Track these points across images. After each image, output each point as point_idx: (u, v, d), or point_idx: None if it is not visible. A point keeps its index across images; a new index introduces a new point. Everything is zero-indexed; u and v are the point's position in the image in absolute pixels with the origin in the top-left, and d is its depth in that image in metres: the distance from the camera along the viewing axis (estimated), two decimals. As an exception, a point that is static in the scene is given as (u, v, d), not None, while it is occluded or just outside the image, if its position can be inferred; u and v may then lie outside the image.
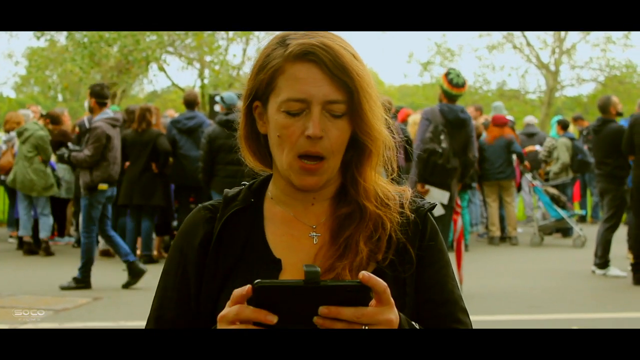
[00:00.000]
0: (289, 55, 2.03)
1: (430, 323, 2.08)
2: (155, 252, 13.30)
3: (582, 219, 18.41)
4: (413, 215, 2.16)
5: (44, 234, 13.75)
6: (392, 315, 1.77)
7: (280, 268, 2.09)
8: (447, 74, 10.16)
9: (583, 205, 19.34)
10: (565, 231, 16.86)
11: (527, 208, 16.68)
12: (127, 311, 9.44)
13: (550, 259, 14.32)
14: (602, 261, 12.18)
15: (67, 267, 12.65)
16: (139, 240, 13.08)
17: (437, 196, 9.74)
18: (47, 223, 13.80)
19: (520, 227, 18.47)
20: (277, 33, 2.13)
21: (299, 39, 2.05)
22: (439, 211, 9.83)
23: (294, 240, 2.13)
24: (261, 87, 2.09)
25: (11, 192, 15.44)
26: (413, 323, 1.95)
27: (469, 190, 15.33)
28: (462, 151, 10.09)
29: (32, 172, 13.42)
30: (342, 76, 2.01)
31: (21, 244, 14.23)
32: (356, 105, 2.03)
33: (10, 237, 15.86)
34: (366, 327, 1.75)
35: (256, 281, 1.72)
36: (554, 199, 15.53)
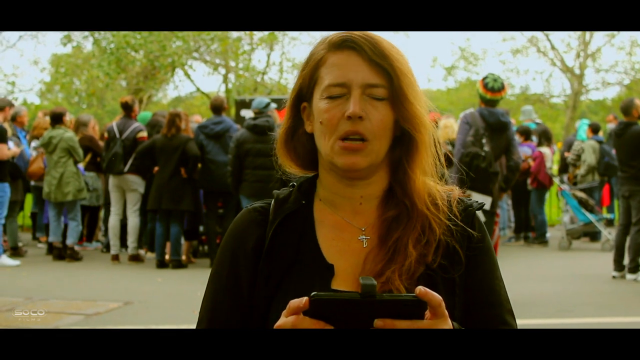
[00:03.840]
0: (329, 45, 2.11)
1: (477, 325, 2.09)
2: (184, 257, 13.34)
3: (609, 223, 18.30)
4: (461, 215, 2.17)
5: (70, 240, 13.80)
6: (446, 328, 1.79)
7: (333, 274, 2.10)
8: (483, 78, 10.05)
9: (611, 209, 19.22)
10: (594, 235, 16.77)
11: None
12: (158, 315, 9.47)
13: (578, 263, 14.27)
14: (634, 265, 12.08)
15: (96, 271, 12.76)
16: (168, 245, 13.13)
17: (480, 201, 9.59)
18: (75, 229, 13.85)
19: (549, 231, 18.43)
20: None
21: (339, 32, 2.12)
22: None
23: (345, 244, 2.14)
24: (305, 83, 2.15)
25: (41, 197, 15.52)
26: None
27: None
28: (503, 155, 9.97)
29: (67, 176, 13.48)
30: (381, 62, 2.05)
31: (50, 249, 14.30)
32: (397, 90, 2.06)
33: (40, 242, 15.95)
34: None
35: (313, 293, 1.74)
36: (582, 203, 15.46)
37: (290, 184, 2.28)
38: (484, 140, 9.72)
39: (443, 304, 1.77)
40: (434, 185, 2.21)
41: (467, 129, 9.84)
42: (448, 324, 1.79)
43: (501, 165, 10.04)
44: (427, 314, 1.77)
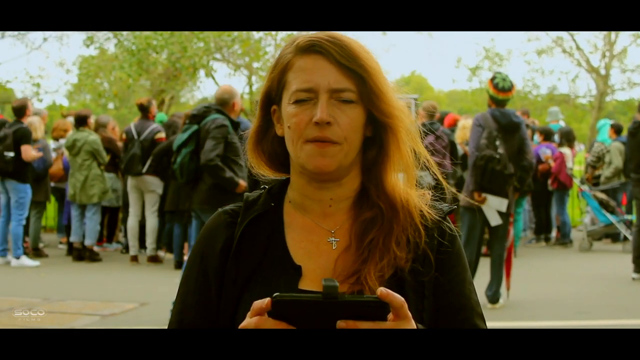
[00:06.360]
0: (297, 50, 2.09)
1: (446, 328, 2.09)
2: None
3: (631, 224, 18.14)
4: (432, 219, 2.17)
5: (89, 241, 13.88)
6: (409, 329, 1.78)
7: (300, 275, 2.10)
8: (492, 79, 9.94)
9: (629, 210, 19.06)
10: (615, 236, 16.65)
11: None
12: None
13: (598, 264, 14.17)
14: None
15: (115, 272, 12.82)
16: (186, 246, 13.16)
17: (495, 204, 9.62)
18: (93, 230, 13.92)
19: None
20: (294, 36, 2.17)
21: (307, 35, 2.10)
22: (496, 221, 9.71)
23: (313, 246, 2.14)
24: (274, 86, 2.14)
25: (61, 198, 15.62)
26: None
27: (526, 196, 15.27)
28: (516, 156, 9.87)
29: (92, 179, 13.58)
30: (350, 64, 2.04)
31: (71, 250, 14.38)
32: (370, 87, 2.05)
33: (60, 243, 16.05)
34: None
35: (275, 294, 1.74)
36: (603, 204, 15.34)
37: (262, 186, 2.29)
38: (497, 142, 9.65)
39: (405, 305, 1.76)
40: (405, 188, 2.20)
41: (479, 131, 9.75)
42: (411, 325, 1.79)
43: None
44: (391, 315, 1.76)
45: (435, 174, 2.23)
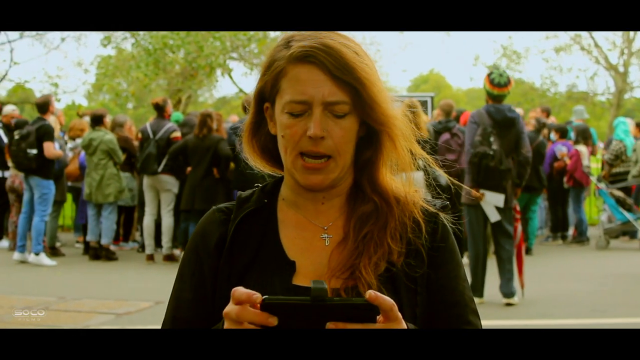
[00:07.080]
0: (291, 58, 2.05)
1: (440, 324, 2.09)
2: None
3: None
4: (425, 214, 2.17)
5: (105, 240, 13.92)
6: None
7: (294, 270, 2.10)
8: (489, 74, 9.94)
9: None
10: (632, 234, 16.55)
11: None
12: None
13: (614, 262, 14.10)
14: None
15: (130, 271, 12.84)
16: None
17: (492, 200, 9.67)
18: (109, 229, 13.95)
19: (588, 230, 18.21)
20: (289, 33, 2.15)
21: (301, 40, 2.06)
22: (495, 217, 9.76)
23: (307, 243, 2.15)
24: (267, 88, 2.12)
25: (77, 198, 15.67)
26: None
27: (541, 194, 15.21)
28: (514, 151, 9.86)
29: (107, 178, 13.62)
30: (345, 76, 2.01)
31: (87, 249, 14.43)
32: (364, 99, 2.03)
33: (77, 242, 16.11)
34: None
35: (264, 297, 1.74)
36: (620, 202, 15.25)
37: (255, 184, 2.29)
38: (491, 139, 9.66)
39: (395, 307, 1.76)
40: (399, 185, 2.21)
41: (474, 128, 9.81)
42: (401, 327, 1.79)
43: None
44: (380, 317, 1.76)
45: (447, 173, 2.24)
